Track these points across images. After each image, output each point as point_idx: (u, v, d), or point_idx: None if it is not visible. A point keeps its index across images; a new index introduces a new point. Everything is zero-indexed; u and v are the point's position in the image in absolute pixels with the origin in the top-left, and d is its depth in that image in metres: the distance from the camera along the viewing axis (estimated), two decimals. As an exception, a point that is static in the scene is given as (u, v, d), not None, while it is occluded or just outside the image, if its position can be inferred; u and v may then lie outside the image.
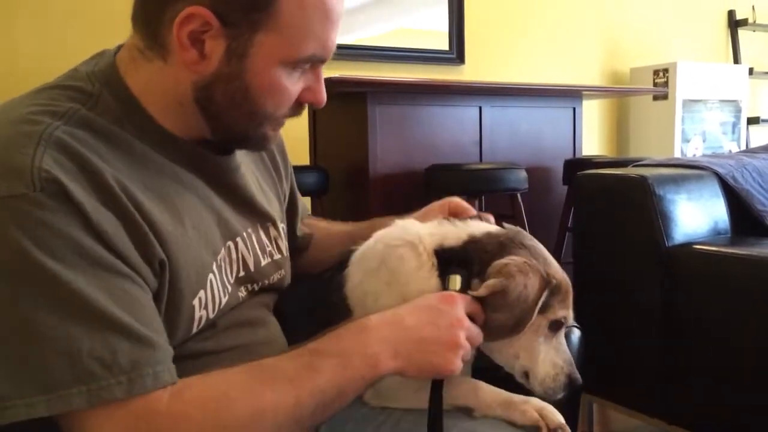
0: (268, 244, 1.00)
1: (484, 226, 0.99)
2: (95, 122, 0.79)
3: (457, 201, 1.12)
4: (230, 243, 0.92)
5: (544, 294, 0.90)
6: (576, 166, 3.02)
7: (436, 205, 1.13)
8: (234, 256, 0.92)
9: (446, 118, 3.00)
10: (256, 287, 0.97)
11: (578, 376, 0.93)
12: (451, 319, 0.84)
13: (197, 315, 0.84)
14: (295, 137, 3.47)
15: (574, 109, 3.40)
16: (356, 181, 2.91)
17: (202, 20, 0.78)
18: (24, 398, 0.66)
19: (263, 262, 0.98)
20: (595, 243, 2.14)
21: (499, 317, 0.89)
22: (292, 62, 0.82)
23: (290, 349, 0.81)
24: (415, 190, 2.85)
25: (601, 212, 2.08)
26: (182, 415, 0.72)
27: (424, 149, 2.92)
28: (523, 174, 2.76)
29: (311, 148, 3.21)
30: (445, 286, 0.91)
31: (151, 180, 0.81)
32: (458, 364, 0.83)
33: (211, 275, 0.86)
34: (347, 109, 2.95)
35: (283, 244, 1.05)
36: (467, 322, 0.85)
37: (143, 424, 0.70)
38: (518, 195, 2.78)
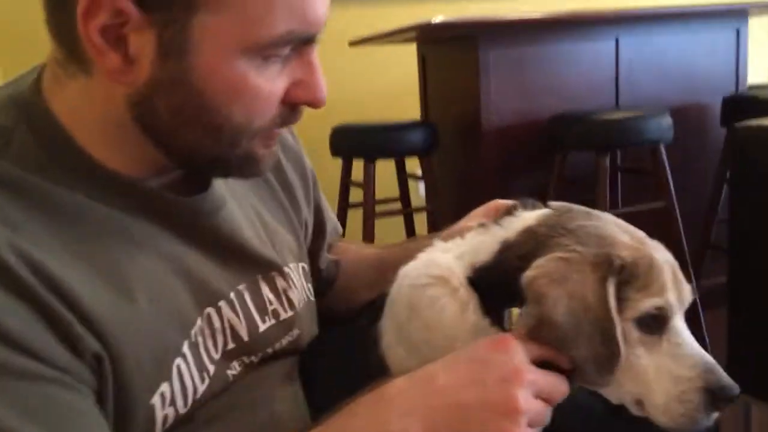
0: (273, 300, 0.78)
1: (526, 218, 0.76)
2: (3, 174, 0.60)
3: (501, 204, 0.88)
4: (210, 310, 0.70)
5: (610, 286, 0.66)
6: (738, 103, 2.54)
7: (478, 212, 0.91)
8: (217, 325, 0.71)
9: (574, 56, 2.57)
10: (255, 359, 0.75)
11: (727, 381, 0.66)
12: (505, 373, 0.61)
13: (159, 414, 0.64)
14: (404, 90, 3.23)
15: (738, 30, 2.82)
16: (467, 136, 2.60)
17: (111, 8, 0.56)
18: None
19: (263, 327, 0.76)
20: (758, 199, 1.73)
21: (571, 354, 0.65)
22: (259, 48, 0.61)
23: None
24: (536, 145, 2.50)
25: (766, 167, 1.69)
26: None
27: (548, 96, 2.53)
28: (667, 121, 2.30)
29: (422, 102, 2.93)
30: (503, 324, 0.69)
31: (86, 244, 0.61)
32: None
33: (179, 361, 0.65)
34: (456, 55, 2.63)
35: (297, 295, 0.81)
36: (532, 374, 0.62)
37: None
38: (661, 147, 2.33)
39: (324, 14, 0.64)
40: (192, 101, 0.62)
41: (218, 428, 0.70)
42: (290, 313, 0.80)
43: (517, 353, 0.63)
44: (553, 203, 0.78)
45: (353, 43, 2.81)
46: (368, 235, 2.53)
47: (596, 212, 0.75)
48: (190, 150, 0.65)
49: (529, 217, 0.76)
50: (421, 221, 2.98)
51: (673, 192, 2.36)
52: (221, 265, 0.73)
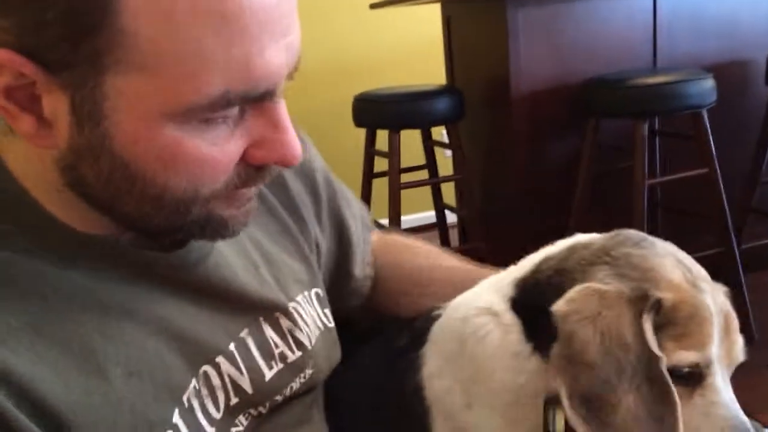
0: (278, 342, 0.70)
1: (578, 238, 0.71)
2: None
3: None
4: (206, 368, 0.63)
5: (646, 322, 0.59)
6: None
7: None
8: (216, 382, 0.63)
9: (609, 14, 2.42)
10: (263, 410, 0.68)
11: None
12: None
13: None
14: (428, 54, 3.10)
15: (783, -19, 2.65)
16: (496, 102, 2.48)
17: (12, 71, 0.48)
18: None
19: (269, 374, 0.68)
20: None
21: (618, 405, 0.58)
22: (188, 113, 0.50)
23: None
24: (569, 111, 2.38)
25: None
26: None
27: (581, 58, 2.39)
28: (709, 84, 2.16)
29: (447, 66, 2.81)
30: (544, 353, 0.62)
31: (56, 324, 0.54)
32: None
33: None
34: (482, 15, 2.49)
35: (308, 330, 0.74)
36: None
37: None
38: (703, 112, 2.20)
39: (281, 64, 0.52)
40: (119, 171, 0.53)
41: None
42: (299, 354, 0.72)
43: None
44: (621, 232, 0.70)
45: (374, 6, 2.69)
46: (394, 206, 2.46)
47: (653, 240, 0.67)
48: (133, 219, 0.57)
49: (580, 237, 0.70)
50: (449, 190, 2.89)
51: (715, 157, 2.23)
52: (217, 316, 0.66)
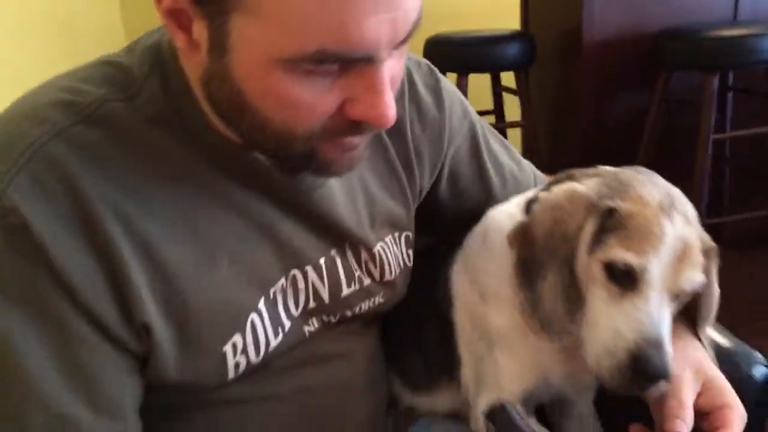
0: (357, 268, 0.80)
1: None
2: (123, 122, 0.63)
3: None
4: (295, 272, 0.74)
5: (591, 222, 0.70)
6: None
7: None
8: (301, 285, 0.74)
9: (691, -38, 2.37)
10: (333, 319, 0.79)
11: (656, 360, 0.66)
12: None
13: (231, 362, 0.69)
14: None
15: None
16: (567, 50, 2.49)
17: None
18: None
19: (345, 292, 0.79)
20: None
21: (543, 278, 0.71)
22: (290, 62, 0.56)
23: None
24: (640, 63, 2.36)
25: None
26: None
27: (657, 8, 2.36)
28: (789, 39, 2.11)
29: (522, 13, 2.80)
30: None
31: (183, 202, 0.65)
32: None
33: (253, 315, 0.70)
34: (559, -39, 2.47)
35: (378, 268, 0.82)
36: None
37: None
38: (779, 67, 2.16)
39: (378, 37, 0.55)
40: (235, 99, 0.60)
41: (291, 378, 0.76)
42: (373, 283, 0.82)
43: None
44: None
45: (452, -52, 2.70)
46: (459, 149, 2.51)
47: (652, 174, 0.74)
48: (249, 139, 0.64)
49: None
50: (515, 136, 2.92)
51: (788, 115, 2.20)
52: (312, 236, 0.75)
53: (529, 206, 0.80)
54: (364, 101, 0.59)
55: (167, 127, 0.64)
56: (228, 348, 0.68)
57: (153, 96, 0.64)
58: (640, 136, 2.32)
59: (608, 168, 0.76)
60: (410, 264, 0.88)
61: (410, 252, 0.88)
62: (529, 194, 0.84)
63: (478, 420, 0.82)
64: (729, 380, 0.73)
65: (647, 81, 2.33)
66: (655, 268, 0.67)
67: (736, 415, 0.68)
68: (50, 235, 0.57)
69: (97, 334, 0.60)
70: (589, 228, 0.70)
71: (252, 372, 0.71)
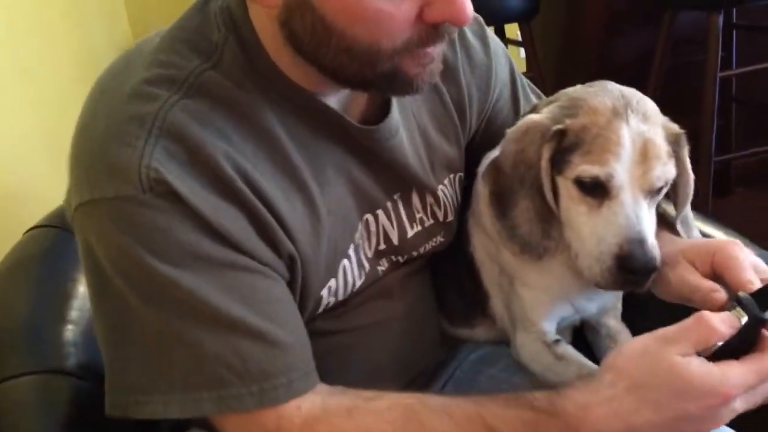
0: (420, 210, 0.85)
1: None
2: (219, 88, 0.68)
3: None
4: (369, 216, 0.79)
5: (547, 147, 0.75)
6: None
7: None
8: (373, 229, 0.80)
9: None
10: (401, 259, 0.85)
11: (639, 255, 0.70)
12: (715, 421, 0.60)
13: (324, 302, 0.76)
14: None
15: None
16: (571, -2, 2.50)
17: None
18: (159, 395, 0.64)
19: (410, 233, 0.84)
20: None
21: (515, 205, 0.77)
22: None
23: (464, 400, 0.66)
24: (644, 3, 2.37)
25: None
26: None
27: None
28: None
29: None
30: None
31: (279, 157, 0.70)
32: None
33: (344, 261, 0.77)
34: None
35: (446, 209, 0.87)
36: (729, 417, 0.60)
37: None
38: (783, 2, 2.17)
39: None
40: (319, 24, 0.63)
41: (363, 311, 0.82)
42: (434, 223, 0.87)
43: (735, 404, 0.60)
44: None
45: None
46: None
47: (613, 84, 0.78)
48: (333, 69, 0.67)
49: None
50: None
51: (792, 50, 2.22)
52: (382, 181, 0.80)
53: None
54: (441, 2, 0.62)
55: (253, 85, 0.69)
56: (324, 292, 0.75)
57: (234, 56, 0.69)
58: (647, 77, 2.35)
59: (568, 89, 0.80)
60: (460, 203, 0.92)
61: (459, 192, 0.92)
62: None
63: (519, 353, 0.88)
64: None
65: (652, 21, 2.35)
66: (620, 172, 0.71)
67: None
68: (196, 196, 0.63)
69: (260, 263, 0.66)
70: (546, 152, 0.75)
71: (333, 309, 0.78)
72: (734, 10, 2.40)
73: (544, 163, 0.75)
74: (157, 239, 0.63)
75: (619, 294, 0.92)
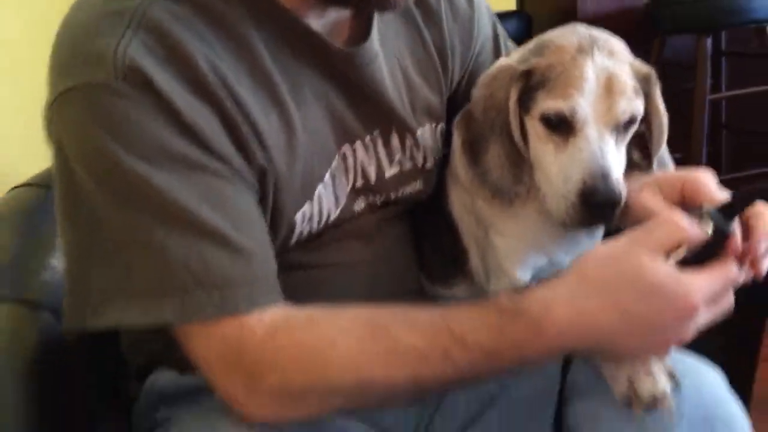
0: (399, 151, 0.84)
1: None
2: (203, 2, 0.67)
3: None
4: (346, 147, 0.78)
5: (514, 89, 0.75)
6: None
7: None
8: (350, 162, 0.79)
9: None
10: (378, 200, 0.83)
11: (602, 189, 0.69)
12: (680, 333, 0.60)
13: (298, 230, 0.74)
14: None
15: None
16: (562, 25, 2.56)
17: None
18: (118, 303, 0.62)
19: (388, 173, 0.83)
20: None
21: (489, 154, 0.78)
22: None
23: (428, 310, 0.66)
24: (634, 31, 2.40)
25: None
26: (272, 361, 0.63)
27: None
28: (775, -1, 2.20)
29: (517, -9, 2.90)
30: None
31: (258, 71, 0.69)
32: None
33: (320, 186, 0.75)
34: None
35: (426, 154, 0.87)
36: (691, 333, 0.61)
37: (232, 351, 0.63)
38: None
39: None
40: None
41: (338, 249, 0.80)
42: (413, 168, 0.86)
43: (700, 318, 0.60)
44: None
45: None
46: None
47: (576, 24, 0.79)
48: None
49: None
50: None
51: (780, 74, 2.27)
52: (362, 112, 0.79)
53: None
54: None
55: (233, 4, 0.69)
56: (298, 216, 0.73)
57: None
58: (638, 103, 2.39)
59: (542, 35, 0.81)
60: (441, 157, 0.91)
61: (441, 144, 0.92)
62: None
63: None
64: None
65: (643, 48, 2.40)
66: (584, 106, 0.71)
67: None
68: (171, 91, 0.62)
69: (228, 168, 0.65)
70: (514, 93, 0.75)
71: (307, 241, 0.76)
72: (723, 37, 2.47)
73: (512, 104, 0.75)
74: (128, 132, 0.61)
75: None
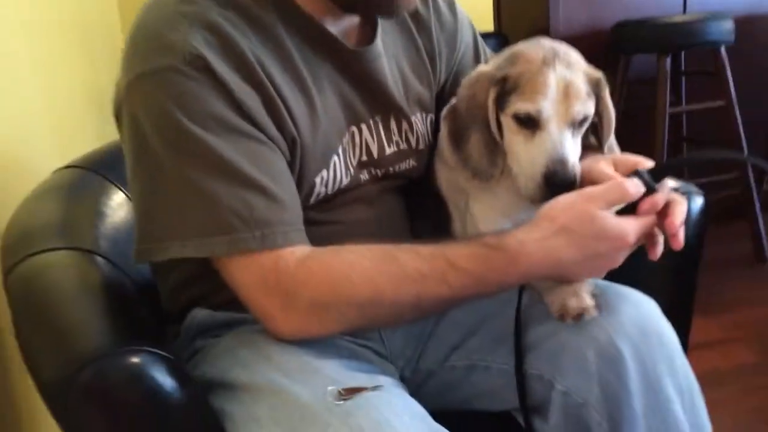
0: (396, 134, 1.01)
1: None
2: (243, 4, 0.85)
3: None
4: (354, 128, 0.95)
5: (492, 91, 0.90)
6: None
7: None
8: (357, 140, 0.96)
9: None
10: (379, 173, 1.00)
11: (561, 171, 0.85)
12: (611, 263, 0.80)
13: (316, 190, 0.91)
14: (477, 3, 3.38)
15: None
16: (536, 44, 2.76)
17: None
18: (178, 240, 0.78)
19: (388, 151, 1.00)
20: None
21: (471, 141, 0.93)
22: None
23: (429, 243, 0.82)
24: (602, 52, 2.63)
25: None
26: (304, 282, 0.79)
27: (615, 5, 2.64)
28: (728, 25, 2.41)
29: (495, 15, 3.09)
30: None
31: (288, 63, 0.86)
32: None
33: (335, 156, 0.92)
34: (527, -33, 2.77)
35: (418, 138, 1.05)
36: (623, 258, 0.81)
37: (271, 277, 0.79)
38: (722, 49, 2.45)
39: None
40: None
41: (346, 210, 0.97)
42: (408, 148, 1.03)
43: (629, 249, 0.80)
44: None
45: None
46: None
47: (548, 40, 0.95)
48: None
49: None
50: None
51: (732, 92, 2.48)
52: (365, 99, 0.96)
53: None
54: None
55: (270, 7, 0.86)
56: (318, 180, 0.90)
57: None
58: (605, 117, 2.58)
59: (513, 45, 0.97)
60: (431, 143, 1.08)
61: (430, 132, 1.09)
62: None
63: None
64: None
65: (609, 67, 2.61)
66: (547, 108, 0.87)
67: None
68: (225, 74, 0.78)
69: (268, 138, 0.82)
70: (492, 95, 0.91)
71: (322, 202, 0.93)
72: (683, 57, 2.68)
73: (490, 103, 0.91)
74: (191, 104, 0.77)
75: None
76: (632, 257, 0.82)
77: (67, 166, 1.20)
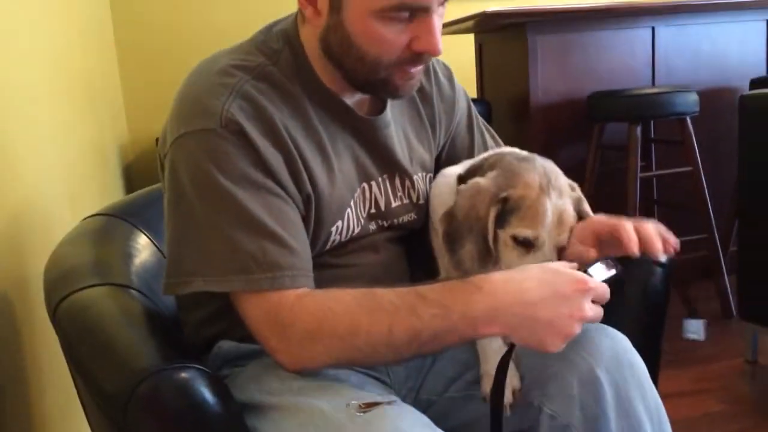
0: (400, 190, 1.14)
1: (494, 151, 1.13)
2: (275, 77, 0.97)
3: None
4: (365, 184, 1.08)
5: (493, 209, 0.98)
6: (766, 84, 2.81)
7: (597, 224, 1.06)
8: (367, 195, 1.09)
9: (613, 42, 2.89)
10: (385, 224, 1.12)
11: None
12: (575, 310, 0.84)
13: (332, 238, 1.03)
14: (463, 73, 3.58)
15: (768, 21, 3.09)
16: (519, 113, 2.95)
17: None
18: (201, 277, 0.89)
19: (394, 204, 1.12)
20: (763, 168, 2.07)
21: (462, 249, 0.99)
22: (379, 12, 0.91)
23: (405, 285, 0.90)
24: (578, 120, 2.83)
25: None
26: (297, 315, 0.90)
27: (589, 78, 2.86)
28: (693, 97, 2.62)
29: (478, 83, 3.29)
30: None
31: (311, 129, 0.99)
32: (561, 348, 0.86)
33: (348, 209, 1.05)
34: (507, 41, 2.99)
35: (419, 194, 1.16)
36: (589, 313, 0.85)
37: (274, 312, 0.90)
38: (687, 119, 2.65)
39: None
40: (346, 41, 0.94)
41: (356, 256, 1.08)
42: (407, 202, 1.14)
43: (589, 297, 0.85)
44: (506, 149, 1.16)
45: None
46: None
47: (532, 156, 1.06)
48: (349, 71, 0.98)
49: (507, 150, 1.16)
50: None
51: (698, 158, 2.67)
52: (375, 160, 1.08)
53: (460, 181, 1.09)
54: (424, 38, 0.94)
55: (294, 81, 0.99)
56: (333, 229, 1.02)
57: (288, 60, 1.00)
58: (582, 180, 2.76)
59: (504, 154, 1.08)
60: (422, 203, 1.19)
61: (425, 193, 1.20)
62: (467, 164, 1.14)
63: None
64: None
65: (585, 134, 2.80)
66: (544, 235, 0.98)
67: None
68: (255, 138, 0.91)
69: (287, 194, 0.93)
70: (493, 212, 0.98)
71: (337, 248, 1.05)
72: (652, 126, 2.88)
73: (491, 220, 0.98)
74: (224, 161, 0.89)
75: None
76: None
77: (95, 214, 1.32)
